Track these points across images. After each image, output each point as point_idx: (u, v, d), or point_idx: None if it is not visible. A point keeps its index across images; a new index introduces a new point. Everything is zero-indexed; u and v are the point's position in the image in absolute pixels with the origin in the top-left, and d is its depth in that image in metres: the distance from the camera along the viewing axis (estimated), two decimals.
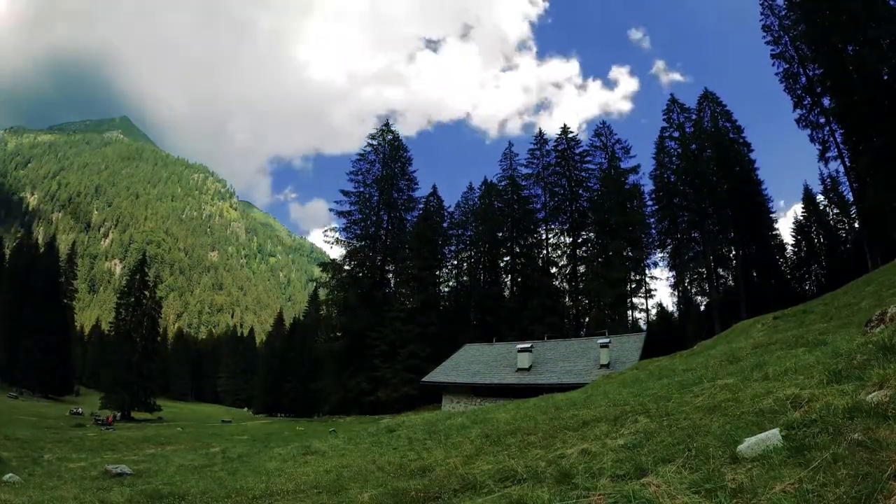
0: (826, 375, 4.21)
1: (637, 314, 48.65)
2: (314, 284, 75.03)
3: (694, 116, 48.95)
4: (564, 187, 56.03)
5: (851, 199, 39.34)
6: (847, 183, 37.58)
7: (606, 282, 44.52)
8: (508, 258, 55.86)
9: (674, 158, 48.84)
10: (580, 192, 55.04)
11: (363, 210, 55.49)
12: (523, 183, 57.60)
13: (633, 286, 48.07)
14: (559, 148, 56.66)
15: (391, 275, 56.38)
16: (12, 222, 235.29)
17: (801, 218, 51.63)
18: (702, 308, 46.71)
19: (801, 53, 37.73)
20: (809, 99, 37.26)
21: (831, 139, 35.86)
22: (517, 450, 5.78)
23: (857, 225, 41.30)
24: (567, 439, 5.65)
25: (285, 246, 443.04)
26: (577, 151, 56.10)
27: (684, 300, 48.23)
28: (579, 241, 53.51)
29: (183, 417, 55.40)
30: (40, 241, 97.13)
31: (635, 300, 48.32)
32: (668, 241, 49.07)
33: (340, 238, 54.68)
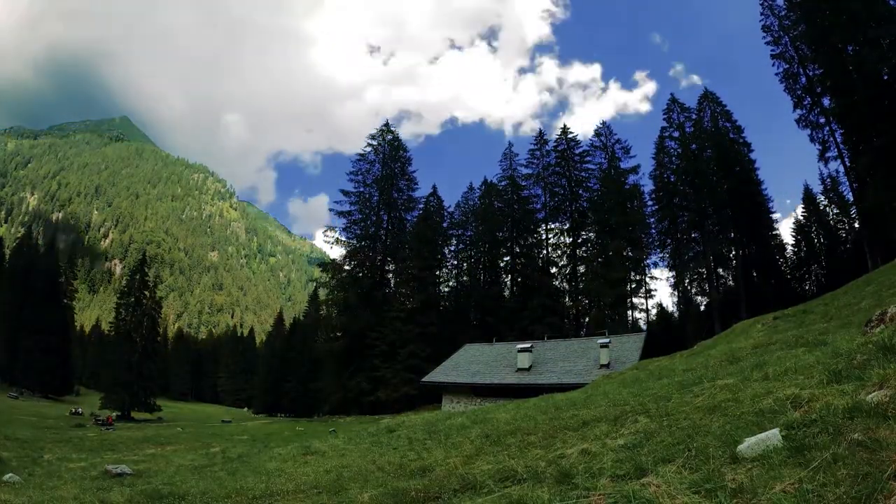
0: (826, 375, 4.21)
1: (637, 314, 48.72)
2: (314, 284, 75.01)
3: (694, 116, 48.98)
4: (564, 187, 56.04)
5: (851, 199, 39.34)
6: (847, 183, 37.60)
7: (606, 282, 44.52)
8: (508, 258, 55.88)
9: (674, 158, 48.86)
10: (580, 192, 55.05)
11: (363, 210, 55.51)
12: (523, 183, 57.62)
13: (633, 286, 48.08)
14: (559, 148, 56.68)
15: (391, 275, 56.39)
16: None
17: (801, 218, 51.67)
18: (702, 308, 46.73)
19: (801, 53, 37.72)
20: (809, 99, 37.26)
21: (831, 139, 35.86)
22: (517, 450, 5.78)
23: (857, 225, 41.31)
24: (567, 439, 5.65)
25: (285, 246, 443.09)
26: (576, 151, 56.13)
27: (684, 300, 48.24)
28: (579, 241, 53.52)
29: (183, 417, 55.39)
30: (40, 241, 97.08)
31: (635, 300, 48.38)
32: (668, 241, 49.08)
33: (340, 238, 54.73)
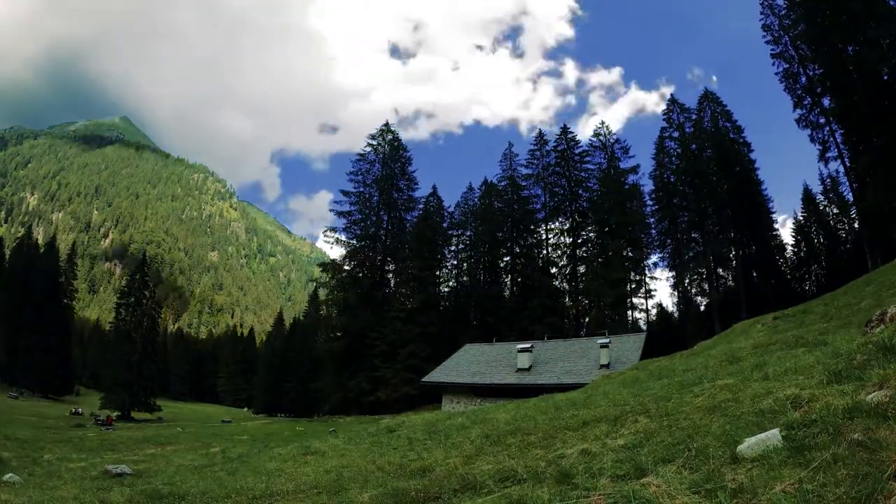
0: (826, 376, 4.21)
1: (637, 314, 48.73)
2: (314, 284, 75.03)
3: (694, 116, 48.97)
4: (564, 187, 56.04)
5: (851, 199, 39.33)
6: (847, 183, 37.61)
7: (606, 282, 44.53)
8: (508, 258, 55.88)
9: (674, 158, 48.88)
10: (580, 192, 55.06)
11: (363, 210, 55.52)
12: (523, 183, 57.63)
13: (633, 286, 48.08)
14: (559, 148, 56.69)
15: (391, 275, 56.39)
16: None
17: (801, 218, 51.67)
18: (702, 308, 46.74)
19: (801, 53, 37.72)
20: (809, 99, 37.25)
21: (831, 139, 35.86)
22: (517, 450, 5.78)
23: (857, 225, 41.29)
24: (567, 439, 5.65)
25: (285, 246, 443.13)
26: (576, 152, 56.14)
27: (684, 300, 48.24)
28: (579, 241, 53.53)
29: (183, 417, 55.39)
30: (40, 241, 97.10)
31: (635, 300, 48.40)
32: (668, 241, 49.07)
33: (340, 238, 54.76)
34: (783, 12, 39.74)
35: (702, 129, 47.81)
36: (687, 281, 47.91)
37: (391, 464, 6.69)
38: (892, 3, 30.97)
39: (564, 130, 57.60)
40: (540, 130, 60.06)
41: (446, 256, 59.16)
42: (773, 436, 3.09)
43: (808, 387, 4.11)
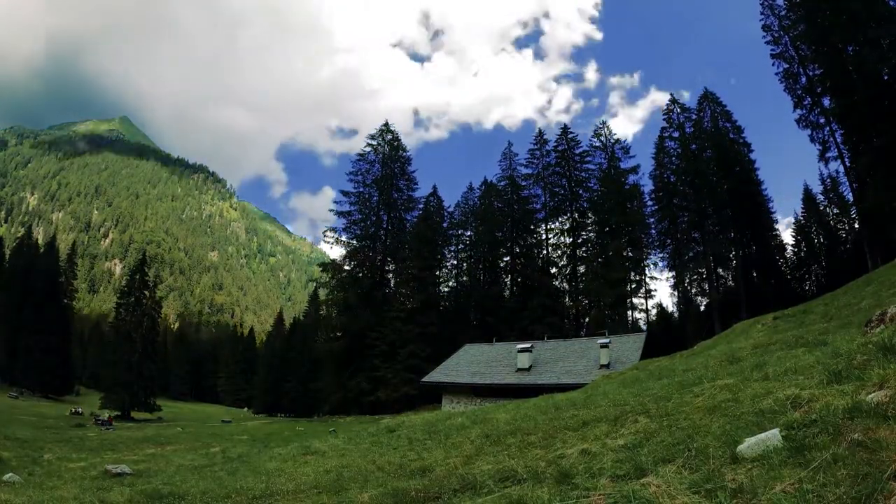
0: (826, 376, 4.21)
1: (637, 314, 48.73)
2: (314, 284, 75.03)
3: (694, 116, 48.98)
4: (564, 187, 56.04)
5: (851, 199, 39.33)
6: (847, 183, 37.59)
7: (606, 282, 44.53)
8: (508, 258, 55.88)
9: (674, 158, 48.87)
10: (580, 192, 55.07)
11: (363, 210, 55.54)
12: (523, 183, 57.65)
13: (633, 286, 48.07)
14: (559, 148, 56.69)
15: (391, 275, 56.40)
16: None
17: (801, 218, 51.69)
18: (702, 308, 46.73)
19: (801, 53, 37.71)
20: (809, 99, 37.25)
21: (831, 139, 35.85)
22: (517, 450, 5.78)
23: (857, 225, 41.29)
24: (567, 439, 5.65)
25: (285, 246, 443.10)
26: (576, 152, 56.14)
27: (684, 300, 48.23)
28: (579, 241, 53.52)
29: (183, 417, 55.38)
30: (40, 241, 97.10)
31: (635, 300, 48.39)
32: (668, 241, 49.07)
33: (340, 238, 54.78)
34: (783, 12, 39.75)
35: (702, 129, 47.82)
36: (687, 281, 47.92)
37: (391, 464, 6.69)
38: (892, 3, 30.97)
39: (565, 130, 57.62)
40: (540, 130, 60.02)
41: (446, 256, 59.20)
42: (773, 436, 3.10)
43: (808, 387, 4.11)
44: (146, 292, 55.83)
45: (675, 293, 49.14)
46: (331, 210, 56.19)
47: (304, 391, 60.61)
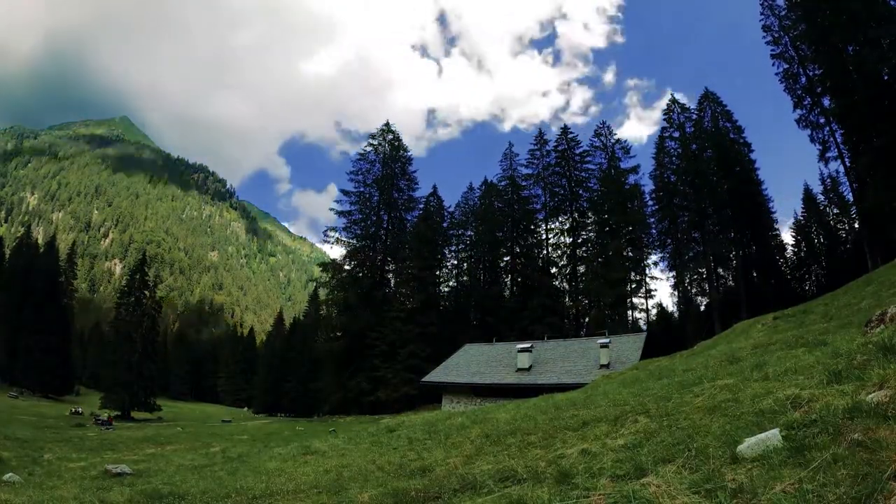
0: (826, 376, 4.21)
1: (637, 314, 48.73)
2: (314, 284, 75.05)
3: (694, 116, 48.98)
4: (564, 187, 56.05)
5: (851, 199, 39.33)
6: (847, 183, 37.59)
7: (606, 282, 44.53)
8: (508, 258, 55.87)
9: (674, 158, 48.88)
10: (580, 192, 55.07)
11: (363, 210, 55.54)
12: (523, 183, 57.65)
13: (633, 286, 48.08)
14: (559, 148, 56.69)
15: (391, 275, 56.40)
16: None
17: (801, 218, 51.70)
18: (702, 308, 46.73)
19: (801, 53, 37.70)
20: (809, 99, 37.24)
21: (831, 139, 35.85)
22: (517, 450, 5.78)
23: (857, 225, 41.29)
24: (567, 439, 5.65)
25: (285, 246, 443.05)
26: (577, 152, 56.15)
27: (684, 300, 48.24)
28: (579, 241, 53.52)
29: (183, 417, 55.38)
30: (40, 241, 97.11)
31: (635, 300, 48.40)
32: (669, 241, 49.07)
33: (341, 238, 54.77)
34: (783, 13, 39.75)
35: (702, 129, 47.83)
36: (687, 281, 47.92)
37: (391, 463, 6.69)
38: (892, 3, 30.96)
39: (565, 130, 57.64)
40: (540, 130, 60.00)
41: (446, 256, 59.20)
42: (773, 436, 3.09)
43: (808, 387, 4.11)
44: (146, 292, 55.82)
45: (675, 293, 49.21)
46: (331, 209, 56.25)
47: (304, 391, 60.60)
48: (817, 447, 2.78)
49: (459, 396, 28.07)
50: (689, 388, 6.24)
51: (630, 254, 48.12)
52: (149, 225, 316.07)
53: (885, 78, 29.83)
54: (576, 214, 54.10)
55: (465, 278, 58.90)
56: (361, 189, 55.85)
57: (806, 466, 2.59)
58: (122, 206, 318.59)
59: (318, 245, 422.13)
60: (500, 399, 21.35)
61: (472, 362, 30.44)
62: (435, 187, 60.58)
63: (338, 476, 6.34)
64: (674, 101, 50.76)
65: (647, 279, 49.07)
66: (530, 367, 26.70)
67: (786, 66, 38.94)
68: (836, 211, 50.04)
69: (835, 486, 2.30)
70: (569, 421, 6.64)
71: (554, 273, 53.59)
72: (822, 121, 36.23)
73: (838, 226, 49.20)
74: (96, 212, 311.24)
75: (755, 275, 44.95)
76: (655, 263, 53.27)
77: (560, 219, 55.61)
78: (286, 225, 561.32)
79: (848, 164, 34.98)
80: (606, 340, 25.50)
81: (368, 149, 57.39)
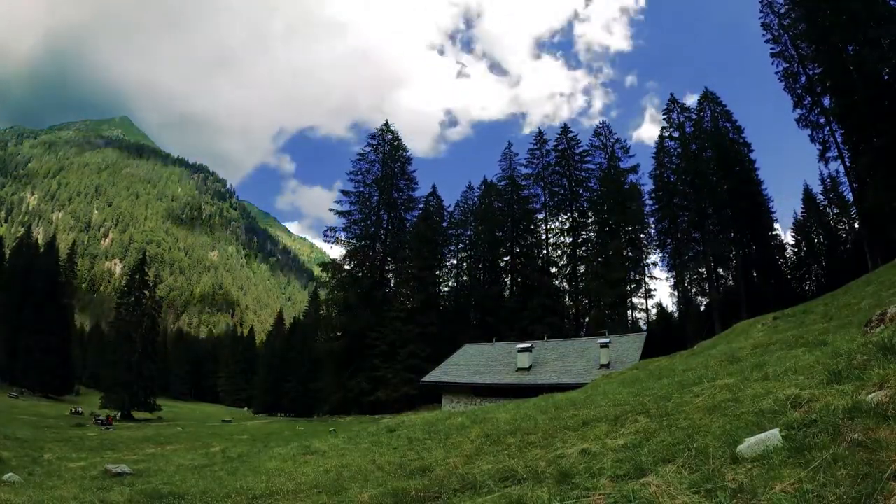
0: (826, 376, 4.21)
1: (637, 314, 48.76)
2: (314, 284, 75.06)
3: (694, 116, 48.96)
4: (564, 187, 56.04)
5: (851, 199, 39.32)
6: (847, 183, 37.57)
7: (606, 282, 44.54)
8: (508, 258, 55.87)
9: (674, 158, 48.86)
10: (580, 192, 55.06)
11: (363, 210, 55.52)
12: (523, 183, 57.63)
13: (633, 286, 48.12)
14: (559, 148, 56.68)
15: (391, 275, 56.39)
16: None
17: (801, 218, 51.69)
18: (702, 308, 46.73)
19: (801, 53, 37.68)
20: (809, 98, 37.22)
21: (831, 139, 35.84)
22: (517, 450, 5.78)
23: (857, 225, 41.29)
24: (567, 439, 5.65)
25: (285, 246, 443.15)
26: (577, 151, 56.14)
27: (684, 300, 48.24)
28: (579, 240, 53.52)
29: (183, 417, 55.39)
30: (40, 241, 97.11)
31: (635, 300, 48.44)
32: (668, 241, 49.06)
33: (341, 238, 54.77)
34: (783, 11, 39.73)
35: (702, 128, 47.81)
36: (687, 281, 47.91)
37: (391, 463, 6.69)
38: (892, 3, 30.96)
39: (565, 130, 57.63)
40: (539, 129, 60.02)
41: (446, 256, 59.23)
42: (773, 436, 3.09)
43: (808, 387, 4.11)
44: (146, 292, 55.80)
45: (675, 293, 49.20)
46: (331, 209, 56.26)
47: (304, 391, 60.60)
48: (817, 447, 2.78)
49: (459, 396, 28.07)
50: (689, 388, 6.24)
51: (630, 254, 48.13)
52: (149, 225, 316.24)
53: (885, 78, 29.83)
54: (576, 214, 54.11)
55: (465, 278, 58.91)
56: (361, 189, 55.87)
57: (806, 466, 2.59)
58: (122, 206, 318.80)
59: (319, 245, 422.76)
60: (500, 399, 21.34)
61: (472, 362, 30.44)
62: (434, 187, 60.68)
63: (338, 476, 6.34)
64: (673, 100, 50.77)
65: (647, 279, 49.16)
66: (530, 366, 26.70)
67: (785, 65, 38.93)
68: (836, 211, 50.04)
69: (835, 486, 2.30)
70: (569, 421, 6.64)
71: (554, 273, 53.60)
72: (822, 120, 36.23)
73: (838, 226, 49.20)
74: (96, 212, 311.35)
75: (755, 275, 44.94)
76: (655, 263, 53.39)
77: (560, 219, 55.68)
78: (286, 225, 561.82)
79: (848, 164, 34.97)
80: (606, 340, 25.51)
81: (368, 149, 57.46)
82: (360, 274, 53.38)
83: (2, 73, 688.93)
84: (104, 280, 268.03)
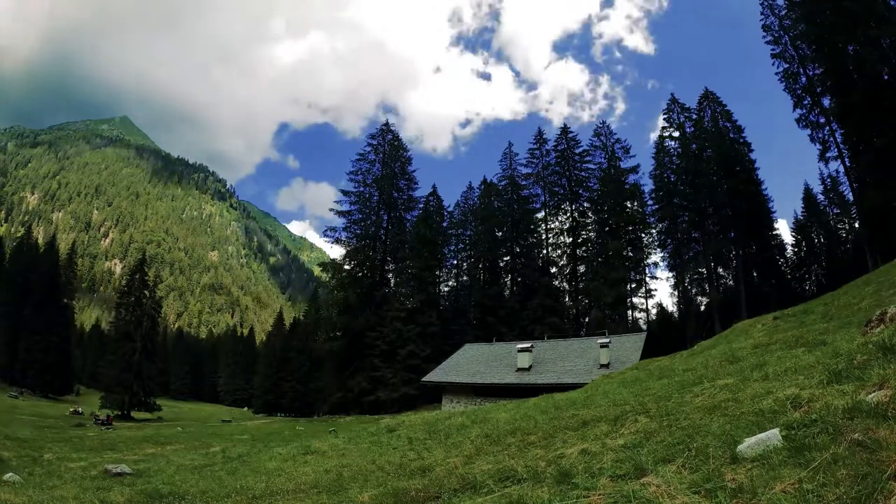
0: (826, 375, 4.21)
1: (637, 314, 48.77)
2: (314, 284, 75.07)
3: (694, 116, 48.94)
4: (564, 187, 56.03)
5: (851, 199, 39.34)
6: (847, 183, 37.62)
7: (606, 282, 44.54)
8: (508, 258, 55.87)
9: (674, 158, 48.86)
10: (580, 192, 55.06)
11: (363, 210, 55.52)
12: (523, 183, 57.64)
13: (633, 286, 48.11)
14: (559, 148, 56.67)
15: (391, 275, 56.40)
16: None
17: (802, 218, 51.68)
18: (702, 308, 46.72)
19: (801, 53, 37.73)
20: (809, 99, 37.27)
21: (831, 139, 35.87)
22: (517, 450, 5.78)
23: (857, 225, 41.31)
24: (567, 439, 5.65)
25: (285, 246, 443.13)
26: (576, 151, 56.13)
27: (684, 300, 48.24)
28: (579, 240, 53.51)
29: (183, 417, 55.37)
30: (40, 241, 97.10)
31: (635, 300, 48.43)
32: (668, 241, 49.06)
33: (341, 238, 54.77)
34: (783, 12, 39.75)
35: (702, 128, 47.81)
36: (687, 281, 47.92)
37: (391, 463, 6.69)
38: (892, 3, 30.97)
39: (565, 130, 57.62)
40: (539, 129, 59.94)
41: (446, 256, 59.20)
42: (772, 436, 3.09)
43: (808, 387, 4.11)
44: (146, 292, 55.80)
45: (675, 293, 49.23)
46: (331, 209, 56.26)
47: (304, 391, 60.60)
48: (817, 447, 2.78)
49: (459, 396, 28.07)
50: (689, 388, 6.24)
51: (630, 254, 48.09)
52: (149, 225, 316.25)
53: (885, 78, 29.85)
54: (576, 214, 54.10)
55: (465, 278, 58.90)
56: (361, 189, 55.87)
57: (806, 466, 2.59)
58: (122, 206, 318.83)
59: (319, 245, 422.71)
60: (500, 399, 21.35)
61: (472, 362, 30.45)
62: (434, 187, 60.65)
63: (338, 476, 6.34)
64: (674, 100, 50.75)
65: (647, 279, 49.16)
66: (530, 366, 26.71)
67: (786, 65, 39.00)
68: (836, 211, 50.07)
69: (835, 486, 2.30)
70: (569, 421, 6.64)
71: (554, 273, 53.59)
72: (822, 120, 36.28)
73: (838, 226, 49.23)
74: (96, 212, 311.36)
75: (755, 275, 44.93)
76: (655, 263, 53.31)
77: (560, 218, 55.66)
78: (286, 225, 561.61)
79: (848, 164, 34.99)
80: (606, 340, 25.52)
81: (368, 149, 57.48)
82: (360, 274, 53.38)
83: (2, 73, 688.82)
84: (104, 280, 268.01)
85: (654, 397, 6.48)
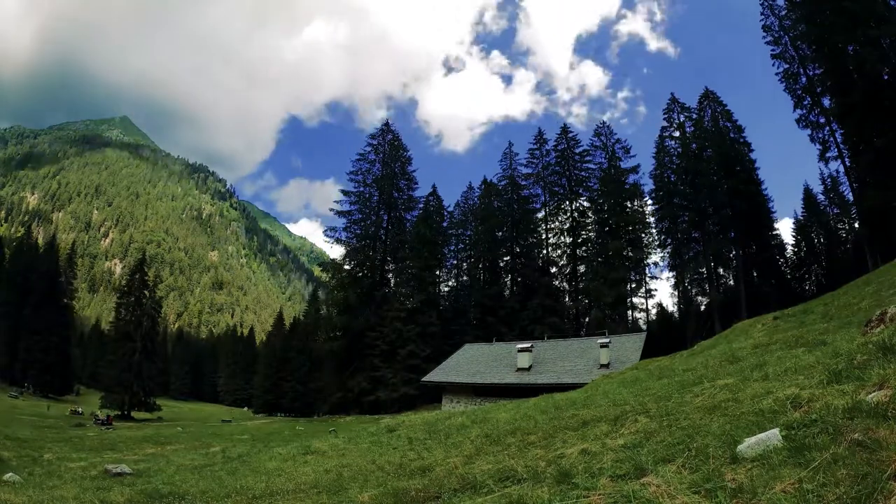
0: (826, 375, 4.21)
1: (637, 314, 48.76)
2: (314, 284, 75.08)
3: (695, 116, 48.95)
4: (564, 187, 56.03)
5: (851, 199, 39.35)
6: (847, 183, 37.65)
7: (606, 282, 44.54)
8: (508, 258, 55.87)
9: (674, 158, 48.86)
10: (580, 191, 55.08)
11: (363, 210, 55.51)
12: (523, 183, 57.64)
13: (633, 286, 48.13)
14: (559, 148, 56.65)
15: (391, 275, 56.39)
16: None
17: (802, 218, 51.69)
18: (702, 308, 46.72)
19: (802, 53, 37.74)
20: (809, 99, 37.28)
21: (831, 139, 35.88)
22: (517, 450, 5.78)
23: (857, 225, 41.31)
24: (567, 439, 5.65)
25: (285, 245, 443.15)
26: (577, 151, 56.12)
27: (684, 300, 48.24)
28: (579, 240, 53.51)
29: (183, 417, 55.37)
30: (40, 241, 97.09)
31: (635, 300, 48.44)
32: (669, 241, 49.07)
33: (341, 238, 54.76)
34: (783, 13, 39.77)
35: (702, 128, 47.82)
36: (687, 281, 47.92)
37: (391, 463, 6.69)
38: (892, 3, 30.98)
39: (565, 130, 57.60)
40: (539, 129, 59.92)
41: (446, 256, 59.18)
42: (772, 436, 3.09)
43: (808, 387, 4.11)
44: (146, 292, 55.81)
45: (675, 293, 49.24)
46: (331, 209, 56.25)
47: (304, 391, 60.58)
48: (817, 447, 2.78)
49: (459, 396, 28.07)
50: (689, 388, 6.24)
51: (630, 254, 48.09)
52: (149, 225, 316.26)
53: (885, 78, 29.85)
54: (576, 214, 54.10)
55: (464, 278, 58.89)
56: (361, 189, 55.86)
57: (806, 466, 2.59)
58: (122, 206, 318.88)
59: (319, 244, 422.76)
60: (500, 399, 21.34)
61: (472, 362, 30.45)
62: (434, 187, 60.63)
63: (338, 476, 6.34)
64: (674, 100, 50.74)
65: (647, 279, 49.18)
66: (530, 366, 26.71)
67: (786, 65, 39.01)
68: (836, 211, 50.07)
69: (835, 486, 2.30)
70: (569, 421, 6.64)
71: (554, 273, 53.59)
72: (822, 120, 36.29)
73: (838, 226, 49.23)
74: (96, 212, 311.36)
75: (755, 275, 44.94)
76: (655, 263, 53.30)
77: (560, 218, 55.62)
78: (287, 225, 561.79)
79: (848, 164, 35.00)
80: (606, 340, 25.52)
81: (368, 149, 57.47)
82: (360, 274, 53.37)
83: (2, 73, 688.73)
84: (104, 280, 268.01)
85: (654, 397, 6.48)
